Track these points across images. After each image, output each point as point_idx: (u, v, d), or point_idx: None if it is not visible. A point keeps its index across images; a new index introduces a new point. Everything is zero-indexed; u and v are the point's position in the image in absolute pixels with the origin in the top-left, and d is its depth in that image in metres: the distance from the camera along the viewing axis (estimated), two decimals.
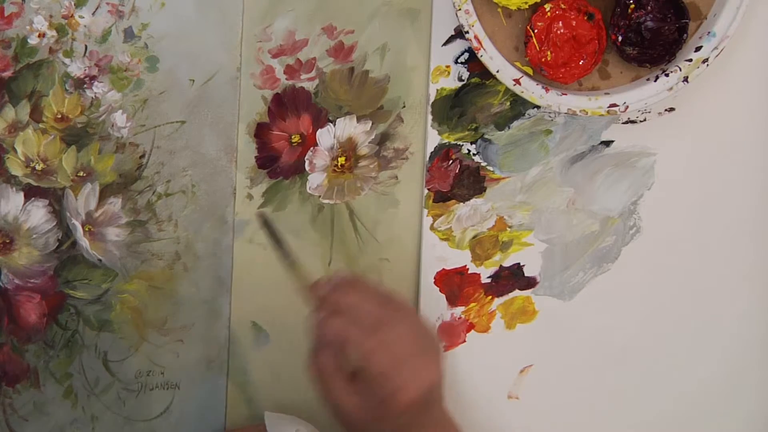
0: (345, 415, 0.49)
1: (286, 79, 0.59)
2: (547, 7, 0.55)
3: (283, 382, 0.62)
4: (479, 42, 0.55)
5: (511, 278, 0.62)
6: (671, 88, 0.56)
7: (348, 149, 0.60)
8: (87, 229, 0.58)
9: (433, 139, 0.61)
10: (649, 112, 0.61)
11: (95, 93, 0.58)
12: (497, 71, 0.55)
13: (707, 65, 0.56)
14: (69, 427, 0.60)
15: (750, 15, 0.59)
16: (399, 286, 0.61)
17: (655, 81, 0.57)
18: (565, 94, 0.56)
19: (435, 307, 0.62)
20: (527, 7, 0.55)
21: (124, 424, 0.60)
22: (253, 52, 0.59)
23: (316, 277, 0.53)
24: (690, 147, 0.62)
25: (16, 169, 0.57)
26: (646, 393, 0.64)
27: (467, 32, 0.55)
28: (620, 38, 0.56)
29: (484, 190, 0.61)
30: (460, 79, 0.60)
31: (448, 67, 0.60)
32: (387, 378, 0.48)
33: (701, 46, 0.56)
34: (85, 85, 0.57)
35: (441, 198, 0.61)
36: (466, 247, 0.62)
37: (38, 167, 0.57)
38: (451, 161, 0.61)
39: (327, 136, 0.60)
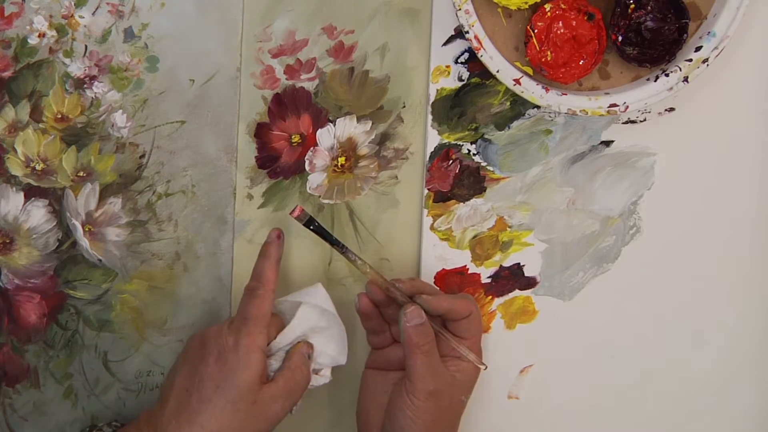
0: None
1: (286, 79, 0.59)
2: (547, 7, 0.55)
3: None
4: (479, 42, 0.55)
5: (511, 278, 0.62)
6: (671, 88, 0.56)
7: (348, 149, 0.60)
8: (87, 229, 0.58)
9: (433, 139, 0.61)
10: (649, 112, 0.61)
11: (95, 93, 0.58)
12: (497, 71, 0.55)
13: (707, 65, 0.56)
14: (69, 427, 0.60)
15: (750, 15, 0.59)
16: None
17: (655, 81, 0.56)
18: (565, 94, 0.56)
19: None
20: (527, 7, 0.55)
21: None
22: (253, 52, 0.59)
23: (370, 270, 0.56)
24: (690, 147, 0.62)
25: (16, 169, 0.57)
26: (645, 393, 0.64)
27: (467, 32, 0.55)
28: (620, 38, 0.56)
29: (484, 190, 0.61)
30: (460, 79, 0.60)
31: (448, 67, 0.60)
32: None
33: (701, 46, 0.56)
34: (85, 85, 0.57)
35: (441, 198, 0.61)
36: (466, 247, 0.62)
37: (38, 167, 0.57)
38: (451, 161, 0.61)
39: (327, 136, 0.60)
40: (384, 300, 0.56)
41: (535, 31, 0.56)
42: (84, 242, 0.58)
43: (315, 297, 0.56)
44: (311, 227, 0.56)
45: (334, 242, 0.56)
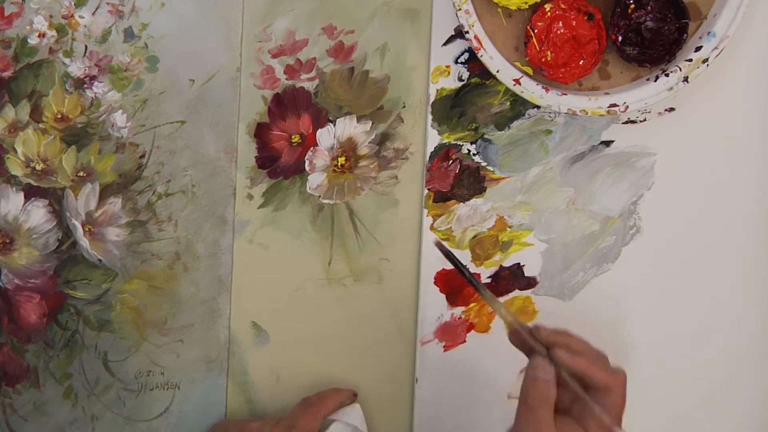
0: None
1: (286, 79, 0.59)
2: (547, 7, 0.55)
3: (283, 382, 0.62)
4: (479, 42, 0.55)
5: (511, 278, 0.62)
6: (671, 88, 0.56)
7: (348, 149, 0.60)
8: (87, 229, 0.58)
9: (433, 139, 0.61)
10: (649, 112, 0.61)
11: (95, 93, 0.58)
12: (497, 71, 0.55)
13: (707, 65, 0.56)
14: (69, 427, 0.60)
15: (750, 15, 0.59)
16: (399, 286, 0.61)
17: (655, 81, 0.57)
18: (565, 94, 0.56)
19: (435, 307, 0.62)
20: (527, 7, 0.55)
21: (124, 424, 0.60)
22: (253, 52, 0.59)
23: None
24: (690, 147, 0.62)
25: (16, 169, 0.57)
26: (645, 392, 0.64)
27: (467, 32, 0.55)
28: (620, 38, 0.56)
29: (484, 190, 0.61)
30: (460, 79, 0.60)
31: (448, 67, 0.60)
32: None
33: (701, 46, 0.56)
34: (85, 85, 0.57)
35: (441, 198, 0.61)
36: (466, 247, 0.62)
37: (38, 167, 0.57)
38: (451, 161, 0.61)
39: (327, 136, 0.60)
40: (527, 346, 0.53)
41: (535, 31, 0.56)
42: (84, 242, 0.58)
43: (351, 416, 0.58)
44: (454, 264, 0.54)
45: (468, 278, 0.53)
